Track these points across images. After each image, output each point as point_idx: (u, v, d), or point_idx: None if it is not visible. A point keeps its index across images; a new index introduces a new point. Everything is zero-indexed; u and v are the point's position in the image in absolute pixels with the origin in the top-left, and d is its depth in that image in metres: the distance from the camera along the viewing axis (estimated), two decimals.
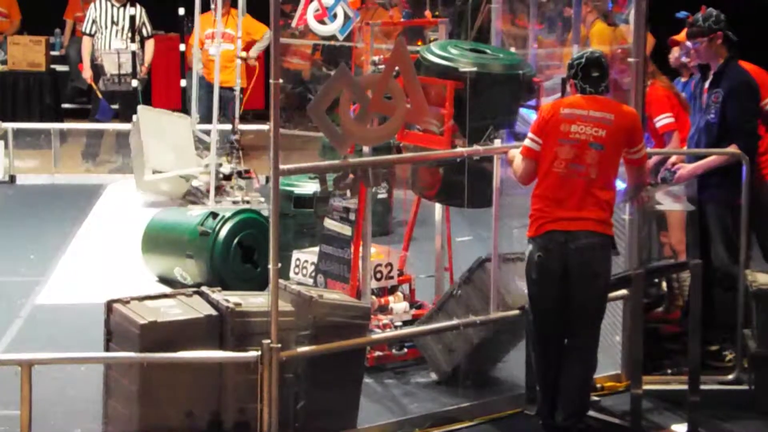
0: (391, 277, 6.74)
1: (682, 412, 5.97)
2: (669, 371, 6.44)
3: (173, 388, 5.20)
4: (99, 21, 11.76)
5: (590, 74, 5.68)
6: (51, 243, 9.11)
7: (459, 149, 6.16)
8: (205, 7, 10.66)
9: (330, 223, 6.57)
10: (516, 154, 5.81)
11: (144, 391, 5.17)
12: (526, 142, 5.72)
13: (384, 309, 6.63)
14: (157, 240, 8.11)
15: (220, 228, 7.74)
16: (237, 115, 10.17)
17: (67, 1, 14.26)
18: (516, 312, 6.21)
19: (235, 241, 7.74)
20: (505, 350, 6.50)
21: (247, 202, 9.48)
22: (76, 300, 7.72)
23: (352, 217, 6.42)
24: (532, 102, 6.52)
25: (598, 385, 6.39)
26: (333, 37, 10.26)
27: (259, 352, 5.18)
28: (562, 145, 5.60)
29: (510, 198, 6.66)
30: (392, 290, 6.78)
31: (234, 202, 9.44)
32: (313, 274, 6.75)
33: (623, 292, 6.30)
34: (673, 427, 5.93)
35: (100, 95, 11.75)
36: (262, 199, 9.75)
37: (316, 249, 6.97)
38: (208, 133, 10.12)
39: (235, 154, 10.03)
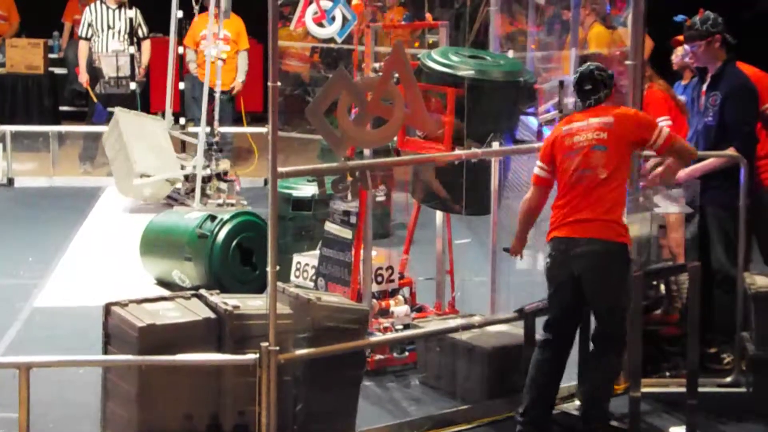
0: (392, 281, 6.73)
1: (680, 415, 5.97)
2: (667, 374, 6.44)
3: (172, 391, 5.19)
4: (95, 24, 11.76)
5: (582, 88, 5.76)
6: (49, 246, 9.10)
7: (457, 152, 6.17)
8: (201, 9, 10.67)
9: (330, 227, 6.57)
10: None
11: (142, 394, 5.16)
12: (535, 169, 5.82)
13: (385, 312, 6.62)
14: (156, 243, 8.11)
15: (218, 231, 7.74)
16: (216, 117, 10.15)
17: (66, 4, 14.27)
18: (514, 315, 6.22)
19: (234, 243, 7.74)
20: None
21: (232, 204, 9.48)
22: (75, 303, 7.73)
23: (353, 220, 6.42)
24: (531, 109, 6.53)
25: None
26: (332, 40, 10.28)
27: (258, 355, 5.18)
28: (570, 157, 5.66)
29: (511, 201, 6.68)
30: (393, 294, 6.77)
31: (219, 205, 9.45)
32: (314, 278, 6.74)
33: None
34: (672, 429, 5.93)
35: (95, 99, 11.74)
36: (245, 202, 9.76)
37: (317, 252, 6.97)
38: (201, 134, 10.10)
39: (214, 157, 10.04)
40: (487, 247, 6.58)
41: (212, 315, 5.34)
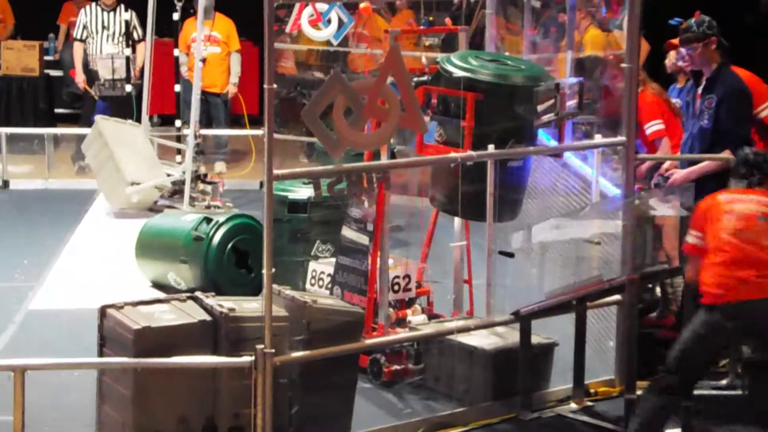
0: (409, 290, 6.70)
1: (675, 417, 5.96)
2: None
3: (167, 394, 5.19)
4: (90, 26, 11.75)
5: (739, 171, 5.75)
6: (44, 248, 9.09)
7: (452, 154, 6.17)
8: (187, 13, 10.70)
9: (347, 232, 6.53)
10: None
11: (138, 397, 5.16)
12: (689, 239, 5.70)
13: (402, 322, 6.60)
14: (151, 245, 8.10)
15: (214, 233, 7.73)
16: (186, 118, 10.15)
17: (61, 6, 14.26)
18: (510, 317, 6.22)
19: (229, 246, 7.73)
20: None
21: (217, 206, 9.48)
22: (70, 305, 7.71)
23: (369, 227, 6.39)
24: (550, 130, 6.49)
25: (592, 390, 6.40)
26: (327, 42, 10.29)
27: (253, 358, 5.18)
28: (729, 218, 5.56)
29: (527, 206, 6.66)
30: (410, 303, 6.73)
31: (206, 207, 9.45)
32: (330, 286, 6.70)
33: (617, 297, 6.31)
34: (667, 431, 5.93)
35: (96, 96, 11.75)
36: (230, 203, 9.76)
37: (333, 260, 6.94)
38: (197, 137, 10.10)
39: (196, 159, 10.05)
40: (481, 249, 6.56)
41: (208, 317, 5.34)
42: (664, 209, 6.53)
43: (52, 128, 12.72)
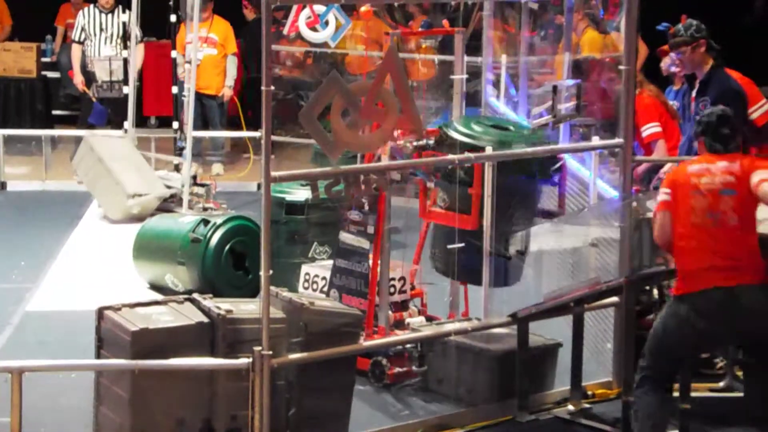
0: (404, 292, 6.70)
1: (673, 420, 5.96)
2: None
3: (164, 395, 5.19)
4: (88, 28, 11.76)
5: (720, 132, 5.55)
6: (42, 250, 9.09)
7: (450, 156, 6.17)
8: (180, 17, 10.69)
9: (346, 237, 6.53)
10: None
11: (135, 399, 5.16)
12: (660, 197, 5.59)
13: (400, 324, 6.59)
14: (149, 247, 8.10)
15: (211, 235, 7.73)
16: (189, 121, 10.15)
17: (59, 8, 14.26)
18: (507, 319, 6.22)
19: (227, 248, 7.73)
20: None
21: (212, 208, 9.48)
22: (67, 307, 7.71)
23: (370, 230, 6.39)
24: (555, 178, 6.51)
25: (589, 392, 6.40)
26: (325, 44, 10.28)
27: (251, 359, 5.18)
28: (695, 195, 5.45)
29: None
30: (404, 305, 6.73)
31: (204, 209, 9.45)
32: (326, 289, 6.70)
33: (615, 299, 6.31)
34: None
35: (94, 99, 11.76)
36: (225, 205, 9.76)
37: (326, 263, 6.94)
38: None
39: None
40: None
41: (205, 319, 5.34)
42: None
43: (50, 130, 12.72)
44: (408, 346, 6.49)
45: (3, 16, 14.00)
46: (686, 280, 5.45)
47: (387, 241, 6.35)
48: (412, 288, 6.80)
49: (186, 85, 10.40)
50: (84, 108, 12.47)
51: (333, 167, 5.70)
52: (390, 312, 6.50)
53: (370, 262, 6.41)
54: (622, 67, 6.32)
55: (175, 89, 10.94)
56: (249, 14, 12.62)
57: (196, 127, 10.40)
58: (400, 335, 6.47)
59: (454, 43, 6.99)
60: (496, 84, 9.38)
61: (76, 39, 11.89)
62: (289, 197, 7.58)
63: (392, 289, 6.58)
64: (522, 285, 6.61)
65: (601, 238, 6.37)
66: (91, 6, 11.88)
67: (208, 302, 5.42)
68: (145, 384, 5.16)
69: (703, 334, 5.43)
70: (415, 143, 6.33)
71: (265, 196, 5.26)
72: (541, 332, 6.46)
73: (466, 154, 6.16)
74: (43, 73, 13.91)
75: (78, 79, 11.86)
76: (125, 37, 11.40)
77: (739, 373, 6.47)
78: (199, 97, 10.83)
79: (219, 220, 7.84)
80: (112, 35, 11.68)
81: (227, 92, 11.80)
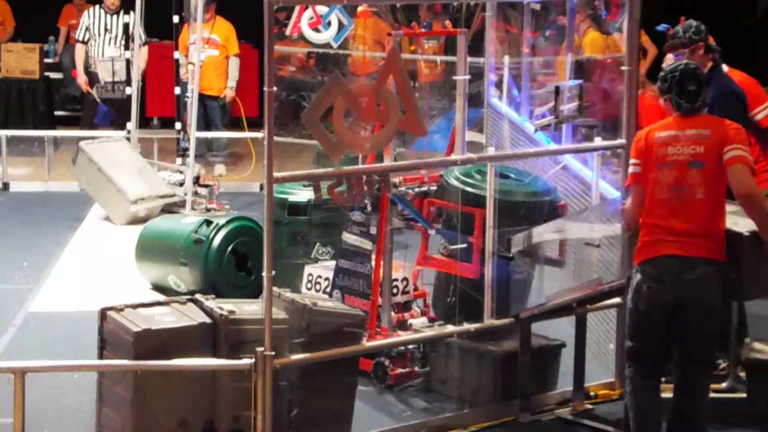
0: (407, 292, 6.70)
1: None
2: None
3: (167, 396, 5.19)
4: (92, 28, 11.78)
5: (686, 88, 5.41)
6: (44, 250, 9.09)
7: (453, 156, 6.17)
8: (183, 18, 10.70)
9: (349, 237, 6.53)
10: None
11: (137, 399, 5.16)
12: (630, 168, 5.50)
13: (402, 325, 6.60)
14: (151, 247, 8.11)
15: (214, 236, 7.74)
16: (191, 122, 10.15)
17: (61, 9, 14.27)
18: (510, 320, 6.22)
19: (229, 248, 7.74)
20: None
21: (215, 209, 9.47)
22: (70, 308, 7.72)
23: (372, 231, 6.39)
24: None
25: (592, 393, 6.40)
26: (327, 45, 10.28)
27: (253, 360, 5.18)
28: (661, 169, 5.34)
29: None
30: (406, 306, 6.72)
31: (207, 210, 9.45)
32: (328, 290, 6.70)
33: (617, 300, 6.31)
34: None
35: (98, 99, 11.77)
36: (228, 206, 9.75)
37: (329, 264, 6.94)
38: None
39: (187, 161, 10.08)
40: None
41: (208, 320, 5.34)
42: None
43: (52, 131, 12.73)
44: (410, 346, 6.49)
45: (6, 17, 14.02)
46: (642, 251, 5.39)
47: (390, 241, 6.35)
48: (415, 289, 6.80)
49: (189, 86, 10.41)
50: (87, 109, 12.47)
51: (335, 168, 5.70)
52: (393, 313, 6.50)
53: (373, 262, 6.42)
54: (624, 68, 6.32)
55: (177, 90, 10.95)
56: None
57: (197, 128, 10.40)
58: (403, 336, 6.47)
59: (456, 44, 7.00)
60: (498, 85, 9.38)
61: (80, 39, 11.90)
62: (291, 198, 7.58)
63: (395, 290, 6.58)
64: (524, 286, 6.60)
65: (604, 238, 6.37)
66: (96, 6, 11.89)
67: (211, 303, 5.43)
68: (148, 385, 5.16)
69: (651, 299, 5.33)
70: (416, 189, 6.36)
71: (267, 197, 5.26)
72: (544, 333, 6.46)
73: (468, 155, 6.16)
74: (46, 74, 13.92)
75: (81, 80, 11.88)
76: (128, 38, 11.40)
77: (742, 374, 6.46)
78: (201, 98, 10.83)
79: (221, 221, 7.85)
80: (116, 36, 11.69)
81: (229, 93, 11.81)
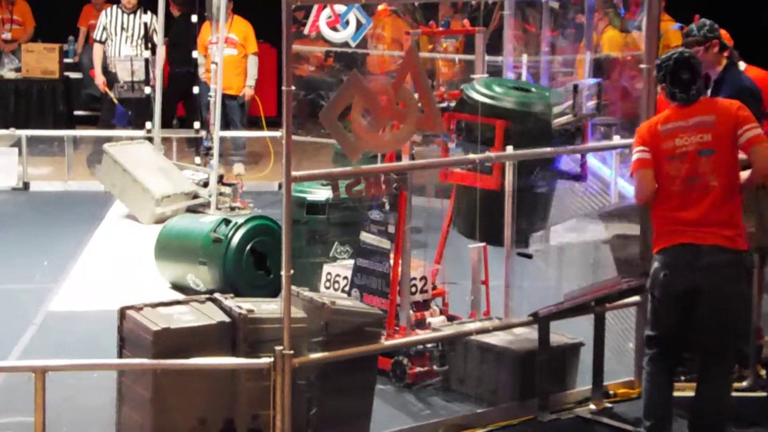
0: (425, 291, 6.70)
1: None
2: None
3: (186, 395, 5.20)
4: (109, 28, 11.82)
5: (680, 77, 5.40)
6: (64, 250, 9.13)
7: (471, 155, 6.16)
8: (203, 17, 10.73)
9: (367, 237, 6.53)
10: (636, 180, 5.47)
11: (157, 398, 5.18)
12: (636, 155, 5.42)
13: (421, 324, 6.60)
14: (170, 247, 8.13)
15: (232, 235, 7.75)
16: (214, 120, 10.17)
17: (81, 9, 14.32)
18: (528, 319, 6.22)
19: (248, 247, 7.75)
20: None
21: (240, 208, 9.49)
22: (90, 307, 7.74)
23: (391, 230, 6.40)
24: (573, 171, 6.46)
25: (611, 392, 6.39)
26: (345, 44, 10.28)
27: (272, 359, 5.19)
28: (671, 162, 5.33)
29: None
30: (425, 304, 6.72)
31: (231, 209, 9.46)
32: (347, 289, 6.71)
33: (636, 298, 6.29)
34: None
35: (115, 101, 11.81)
36: (252, 204, 9.77)
37: (347, 263, 6.94)
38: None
39: (210, 161, 10.09)
40: (499, 251, 6.56)
41: (226, 319, 5.35)
42: None
43: (72, 130, 12.77)
44: (429, 345, 6.49)
45: (26, 17, 14.07)
46: (658, 240, 5.41)
47: (408, 240, 6.35)
48: (434, 287, 6.79)
49: (211, 85, 10.41)
50: (105, 109, 12.51)
51: (354, 167, 5.70)
52: (411, 311, 6.50)
53: (392, 261, 6.42)
54: (642, 66, 6.30)
55: (196, 90, 10.98)
56: (174, 11, 12.62)
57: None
58: (422, 335, 6.47)
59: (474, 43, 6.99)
60: None
61: (98, 39, 11.94)
62: (310, 197, 7.59)
63: (413, 289, 6.58)
64: (543, 284, 6.60)
65: (623, 237, 6.35)
66: (114, 6, 11.93)
67: (230, 302, 5.44)
68: (167, 384, 5.17)
69: (665, 286, 5.34)
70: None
71: (286, 196, 5.27)
72: (563, 332, 6.45)
73: (487, 154, 6.15)
74: (66, 73, 13.97)
75: (99, 80, 11.92)
76: (146, 38, 11.43)
77: (762, 373, 6.44)
78: (221, 97, 10.85)
79: (240, 220, 7.86)
80: (133, 35, 11.73)
81: (248, 92, 11.82)
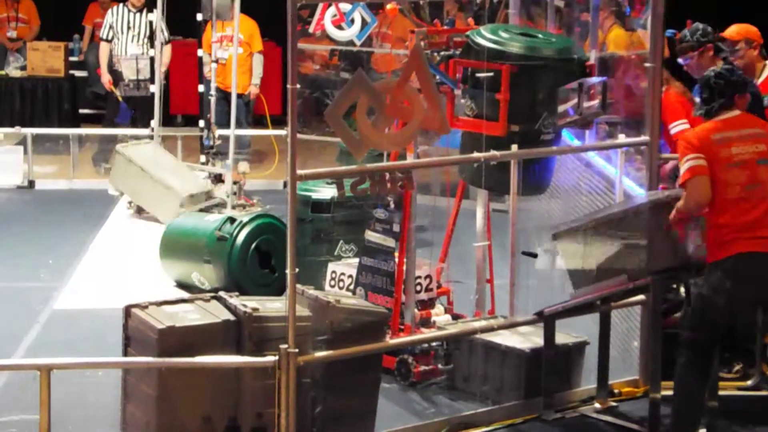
0: (431, 290, 6.69)
1: (700, 418, 5.94)
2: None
3: (191, 393, 5.21)
4: (116, 26, 11.82)
5: (702, 96, 5.58)
6: (69, 248, 9.13)
7: (476, 154, 6.16)
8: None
9: (372, 235, 6.53)
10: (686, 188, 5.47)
11: (162, 396, 5.18)
12: (690, 163, 5.40)
13: (426, 322, 6.59)
14: (175, 245, 8.13)
15: (237, 233, 7.75)
16: (213, 119, 10.17)
17: (86, 7, 14.33)
18: (533, 317, 6.21)
19: (253, 246, 7.75)
20: None
21: (249, 205, 9.48)
22: (95, 305, 7.75)
23: (396, 228, 6.39)
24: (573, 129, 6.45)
25: (616, 391, 6.39)
26: (351, 43, 10.29)
27: (277, 357, 5.19)
28: (731, 169, 5.38)
29: (526, 203, 6.60)
30: (430, 303, 6.71)
31: (242, 207, 9.46)
32: (352, 287, 6.70)
33: (641, 297, 6.29)
34: None
35: (120, 99, 11.82)
36: (259, 200, 9.76)
37: (352, 261, 6.94)
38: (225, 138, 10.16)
39: (212, 160, 10.09)
40: (504, 249, 6.56)
41: (231, 317, 5.35)
42: None
43: (77, 129, 12.78)
44: (434, 344, 6.49)
45: (31, 15, 14.09)
46: (720, 248, 5.42)
47: (413, 239, 6.35)
48: (439, 286, 6.79)
49: (213, 84, 10.42)
50: (110, 107, 12.52)
51: (359, 165, 5.70)
52: (416, 310, 6.51)
53: (396, 260, 6.42)
54: (647, 65, 6.30)
55: (201, 88, 10.98)
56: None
57: (222, 126, 10.43)
58: (426, 333, 6.47)
59: None
60: None
61: (104, 37, 11.95)
62: (315, 195, 7.59)
63: (418, 287, 6.58)
64: (548, 283, 6.59)
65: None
66: (120, 5, 11.94)
67: (235, 300, 5.44)
68: (172, 382, 5.18)
69: (733, 297, 5.39)
70: (442, 53, 6.26)
71: (290, 195, 5.27)
72: (568, 330, 6.45)
73: (492, 152, 6.13)
74: (71, 72, 13.98)
75: (105, 79, 11.93)
76: (152, 36, 11.43)
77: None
78: (225, 95, 10.85)
79: (245, 219, 7.87)
80: (139, 34, 11.74)
81: (254, 90, 11.82)
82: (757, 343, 6.40)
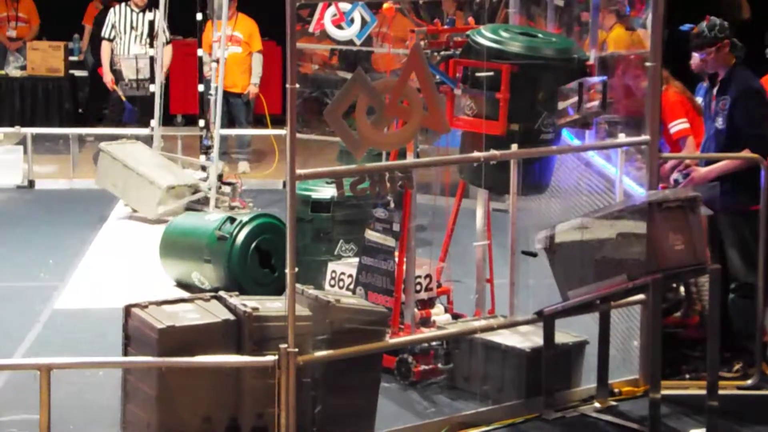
0: (431, 289, 6.70)
1: (700, 417, 5.95)
2: (687, 376, 6.43)
3: (191, 393, 5.21)
4: (118, 26, 11.83)
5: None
6: (69, 248, 9.14)
7: (476, 154, 6.16)
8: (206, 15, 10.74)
9: (372, 235, 6.53)
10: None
11: (162, 396, 5.18)
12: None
13: (426, 322, 6.59)
14: (175, 245, 8.14)
15: (237, 232, 7.75)
16: (214, 119, 10.18)
17: (86, 7, 14.34)
18: (533, 317, 6.21)
19: (253, 245, 7.75)
20: None
21: (239, 207, 9.49)
22: (95, 305, 7.76)
23: (395, 228, 6.39)
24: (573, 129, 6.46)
25: (616, 390, 6.39)
26: (350, 42, 10.30)
27: (277, 357, 5.19)
28: None
29: (526, 202, 6.60)
30: (430, 302, 6.71)
31: (231, 208, 9.47)
32: (352, 287, 6.70)
33: (641, 296, 6.29)
34: (691, 431, 5.92)
35: (123, 98, 11.83)
36: (252, 203, 9.77)
37: (352, 261, 6.94)
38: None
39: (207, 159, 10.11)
40: (505, 249, 6.56)
41: (231, 317, 5.35)
42: None
43: (77, 128, 12.79)
44: (434, 343, 6.49)
45: (31, 15, 14.10)
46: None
47: (413, 238, 6.35)
48: (438, 285, 6.79)
49: (212, 83, 10.43)
50: (112, 107, 12.53)
51: (358, 165, 5.70)
52: (416, 309, 6.51)
53: (396, 259, 6.42)
54: (648, 64, 6.30)
55: (201, 87, 10.99)
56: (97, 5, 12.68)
57: (221, 126, 10.43)
58: (426, 333, 6.47)
59: None
60: None
61: (106, 36, 11.96)
62: (314, 195, 7.59)
63: (418, 287, 6.58)
64: (547, 282, 6.59)
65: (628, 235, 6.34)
66: (123, 4, 11.95)
67: (235, 300, 5.44)
68: (172, 381, 5.18)
69: None
70: (442, 53, 6.26)
71: (290, 194, 5.27)
72: (568, 330, 6.45)
73: (492, 152, 6.14)
74: (71, 71, 13.98)
75: (107, 78, 11.94)
76: (152, 36, 11.44)
77: None
78: (225, 95, 10.87)
79: (245, 218, 7.87)
80: (141, 34, 11.75)
81: (253, 90, 11.83)
82: (757, 342, 6.41)
